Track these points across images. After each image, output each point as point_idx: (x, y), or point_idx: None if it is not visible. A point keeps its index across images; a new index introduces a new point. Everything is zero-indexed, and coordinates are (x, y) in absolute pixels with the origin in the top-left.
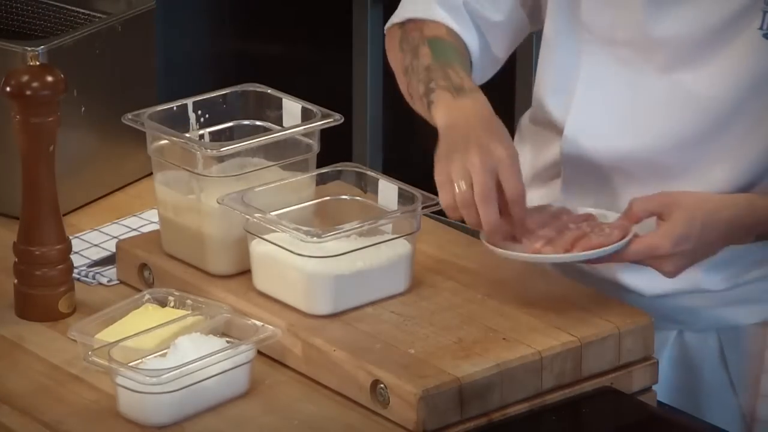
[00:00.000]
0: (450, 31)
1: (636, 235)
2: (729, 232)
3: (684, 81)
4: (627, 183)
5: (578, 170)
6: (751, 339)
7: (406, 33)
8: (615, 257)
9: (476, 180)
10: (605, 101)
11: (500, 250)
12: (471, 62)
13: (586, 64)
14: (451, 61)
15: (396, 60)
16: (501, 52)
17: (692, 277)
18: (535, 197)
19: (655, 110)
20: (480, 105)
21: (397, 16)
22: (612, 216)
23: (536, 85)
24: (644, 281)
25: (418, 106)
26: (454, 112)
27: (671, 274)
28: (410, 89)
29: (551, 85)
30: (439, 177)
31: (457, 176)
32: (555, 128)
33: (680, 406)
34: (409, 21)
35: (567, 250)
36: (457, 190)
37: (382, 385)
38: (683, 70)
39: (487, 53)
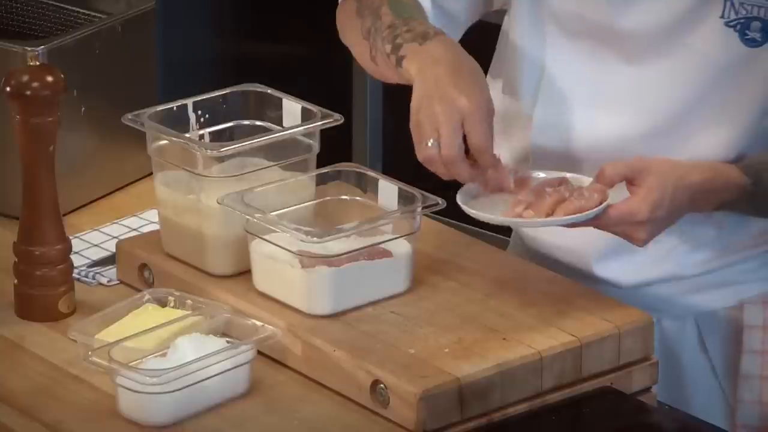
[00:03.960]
0: None
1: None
2: (694, 198)
3: (649, 71)
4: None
5: (547, 162)
6: (728, 322)
7: (362, 0)
8: (593, 222)
9: (442, 141)
10: (571, 93)
11: (479, 212)
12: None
13: (551, 57)
14: (414, 16)
15: (353, 28)
16: (462, 14)
17: (666, 265)
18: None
19: (621, 101)
20: (448, 47)
21: None
22: (585, 180)
23: (505, 76)
24: (619, 272)
25: (383, 67)
26: (423, 57)
27: (642, 243)
28: (374, 51)
29: (519, 76)
30: (411, 123)
31: (426, 131)
32: (524, 117)
33: (663, 393)
34: None
35: (548, 214)
36: (427, 144)
37: (382, 385)
38: (648, 60)
39: (444, 15)
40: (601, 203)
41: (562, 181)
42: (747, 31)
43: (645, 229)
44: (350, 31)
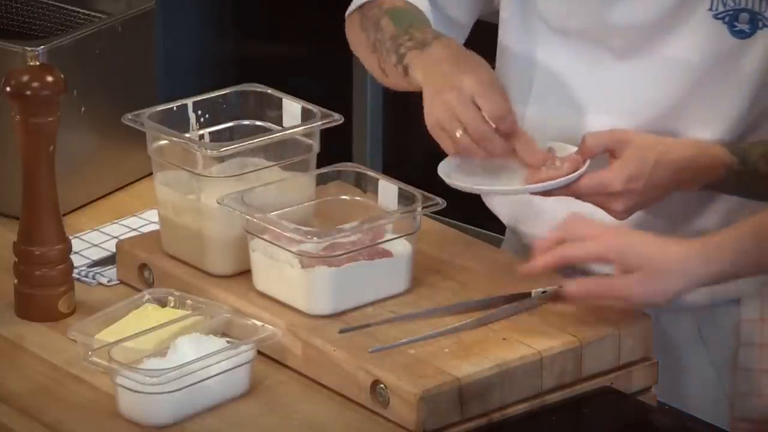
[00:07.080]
0: (406, 1)
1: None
2: (678, 176)
3: (639, 67)
4: None
5: None
6: (725, 315)
7: (365, 13)
8: (565, 191)
9: (468, 123)
10: (563, 92)
11: (451, 180)
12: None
13: (541, 55)
14: (412, 23)
15: (360, 41)
16: (463, 18)
17: None
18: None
19: (612, 98)
20: (447, 46)
21: (354, 4)
22: (571, 149)
23: (500, 75)
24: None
25: (393, 77)
26: (426, 61)
27: (619, 215)
28: (382, 63)
29: (510, 75)
30: (429, 126)
31: (447, 125)
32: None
33: (661, 387)
34: (366, 3)
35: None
36: (456, 135)
37: (382, 385)
38: (638, 56)
39: (445, 19)
40: (570, 173)
41: (547, 151)
42: (735, 23)
43: (620, 201)
44: (358, 44)
